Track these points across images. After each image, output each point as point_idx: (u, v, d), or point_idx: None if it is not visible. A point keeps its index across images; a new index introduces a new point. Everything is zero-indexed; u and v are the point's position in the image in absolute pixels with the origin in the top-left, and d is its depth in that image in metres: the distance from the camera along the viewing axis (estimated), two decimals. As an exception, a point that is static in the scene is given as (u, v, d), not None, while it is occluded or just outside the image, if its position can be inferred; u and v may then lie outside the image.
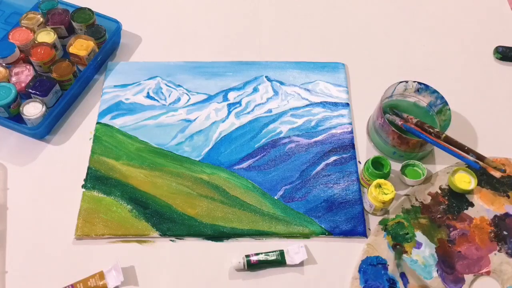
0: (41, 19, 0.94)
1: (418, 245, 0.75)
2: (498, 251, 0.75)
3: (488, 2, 1.08)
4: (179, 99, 0.90)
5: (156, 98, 0.90)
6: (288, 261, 0.73)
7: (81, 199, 0.78)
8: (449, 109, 0.82)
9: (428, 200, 0.79)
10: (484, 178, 0.82)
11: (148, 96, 0.91)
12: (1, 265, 0.72)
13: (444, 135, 0.80)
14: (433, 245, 0.75)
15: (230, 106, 0.90)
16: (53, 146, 0.84)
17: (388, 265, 0.73)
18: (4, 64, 0.87)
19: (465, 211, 0.78)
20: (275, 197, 0.79)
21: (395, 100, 0.88)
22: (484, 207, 0.79)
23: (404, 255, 0.74)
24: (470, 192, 0.80)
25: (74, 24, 0.93)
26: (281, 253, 0.73)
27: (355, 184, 0.81)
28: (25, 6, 0.98)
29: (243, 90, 0.92)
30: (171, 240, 0.75)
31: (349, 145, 0.85)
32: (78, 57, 0.89)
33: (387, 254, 0.74)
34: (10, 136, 0.85)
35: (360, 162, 0.84)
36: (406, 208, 0.78)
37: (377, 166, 0.79)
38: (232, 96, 0.91)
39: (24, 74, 0.87)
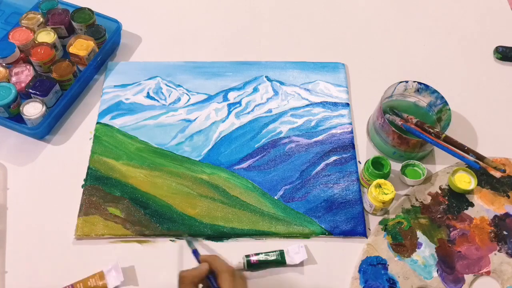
0: (41, 19, 0.94)
1: (418, 245, 0.75)
2: (498, 251, 0.75)
3: (488, 2, 1.08)
4: (179, 99, 0.90)
5: (156, 98, 0.90)
6: (288, 261, 0.73)
7: (81, 199, 0.78)
8: (449, 109, 0.82)
9: (428, 200, 0.79)
10: (484, 178, 0.82)
11: (148, 96, 0.91)
12: (1, 265, 0.72)
13: (444, 135, 0.80)
14: (433, 245, 0.75)
15: (230, 106, 0.90)
16: (53, 146, 0.84)
17: (388, 265, 0.73)
18: (4, 64, 0.87)
19: (465, 211, 0.78)
20: (275, 197, 0.79)
21: (395, 100, 0.88)
22: (484, 207, 0.79)
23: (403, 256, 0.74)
24: (470, 192, 0.80)
25: (74, 24, 0.93)
26: (281, 253, 0.73)
27: (355, 184, 0.81)
28: (25, 6, 0.98)
29: (243, 90, 0.92)
30: (171, 240, 0.75)
31: (349, 145, 0.85)
32: (78, 57, 0.89)
33: (387, 254, 0.74)
34: (10, 136, 0.85)
35: (360, 162, 0.84)
36: (406, 208, 0.78)
37: (377, 166, 0.79)
38: (232, 96, 0.91)
39: (24, 74, 0.87)
